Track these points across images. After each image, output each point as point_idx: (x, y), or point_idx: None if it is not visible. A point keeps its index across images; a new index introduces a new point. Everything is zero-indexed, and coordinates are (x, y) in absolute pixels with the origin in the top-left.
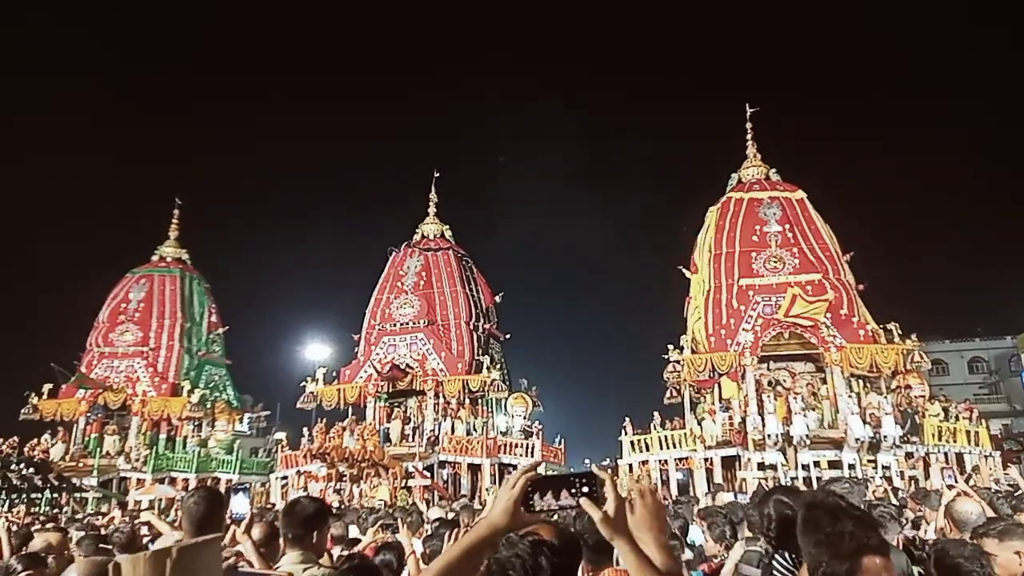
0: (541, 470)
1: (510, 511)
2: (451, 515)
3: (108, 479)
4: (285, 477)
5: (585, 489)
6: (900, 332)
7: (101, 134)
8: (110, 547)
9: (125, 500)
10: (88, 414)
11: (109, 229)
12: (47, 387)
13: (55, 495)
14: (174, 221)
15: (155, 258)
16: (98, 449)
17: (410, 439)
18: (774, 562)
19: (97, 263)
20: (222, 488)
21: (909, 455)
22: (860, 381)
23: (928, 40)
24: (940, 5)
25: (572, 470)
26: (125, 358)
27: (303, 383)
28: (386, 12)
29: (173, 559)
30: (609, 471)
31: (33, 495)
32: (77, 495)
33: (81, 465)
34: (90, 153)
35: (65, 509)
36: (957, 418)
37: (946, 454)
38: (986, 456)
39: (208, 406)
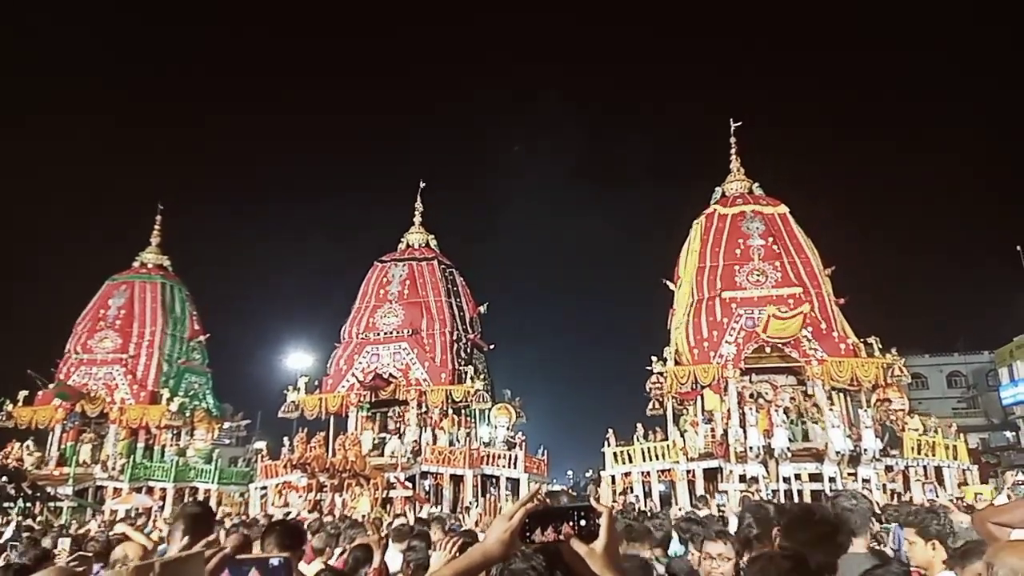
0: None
1: (506, 542)
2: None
3: (84, 488)
4: (265, 487)
5: (583, 523)
6: (880, 346)
7: (83, 138)
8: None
9: (101, 509)
10: (64, 422)
11: (90, 234)
12: (22, 394)
13: (28, 504)
14: (156, 227)
15: (136, 264)
16: (74, 458)
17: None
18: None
19: (77, 269)
20: (200, 498)
21: (889, 468)
22: (841, 394)
23: (914, 53)
24: (928, 14)
25: (570, 473)
26: (104, 365)
27: (284, 392)
28: (379, 14)
29: (156, 573)
30: (609, 506)
31: (6, 504)
32: (51, 504)
33: (57, 474)
34: (71, 157)
35: (39, 519)
36: (936, 432)
37: (925, 467)
38: (964, 470)
39: (187, 415)
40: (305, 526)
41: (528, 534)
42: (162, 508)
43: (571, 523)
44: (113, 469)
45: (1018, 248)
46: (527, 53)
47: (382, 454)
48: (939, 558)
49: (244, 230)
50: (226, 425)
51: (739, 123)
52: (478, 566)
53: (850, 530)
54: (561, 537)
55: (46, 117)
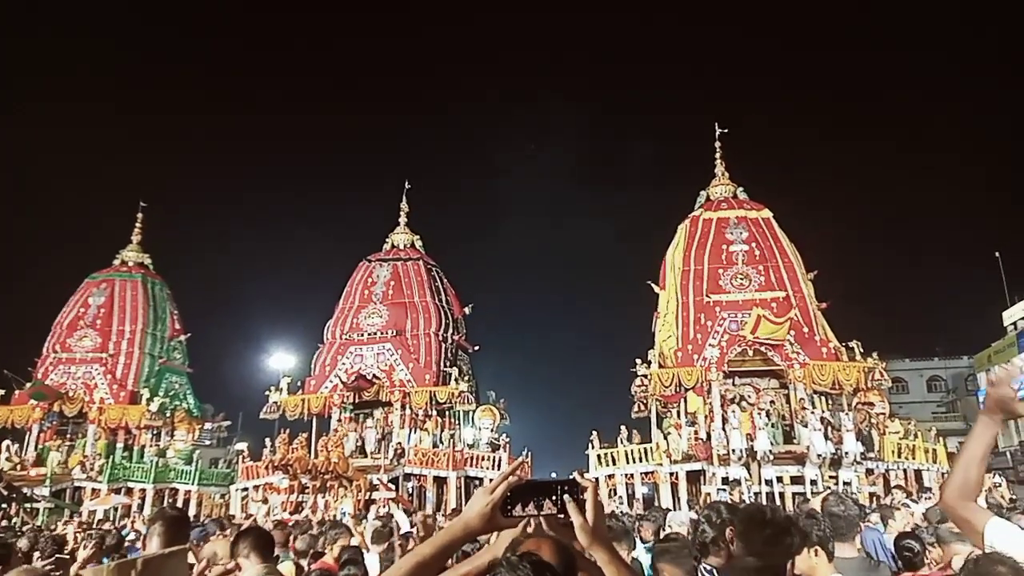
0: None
1: (487, 515)
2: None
3: (61, 489)
4: (246, 489)
5: (567, 496)
6: (862, 350)
7: (61, 132)
8: None
9: (79, 510)
10: (42, 422)
11: (69, 231)
12: None
13: (3, 505)
14: (137, 225)
15: (116, 262)
16: (51, 458)
17: (375, 451)
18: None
19: (56, 266)
20: (180, 499)
21: (869, 471)
22: (823, 398)
23: (900, 58)
24: (914, 17)
25: (554, 475)
26: (83, 364)
27: (266, 393)
28: (368, 13)
29: (138, 570)
30: (593, 480)
31: None
32: (27, 506)
33: (33, 474)
34: (51, 152)
35: (14, 520)
36: (916, 435)
37: (905, 471)
38: (943, 473)
39: (168, 415)
40: (289, 528)
41: (509, 508)
42: (141, 509)
43: (554, 497)
44: (91, 470)
45: (997, 254)
46: (519, 54)
47: (364, 455)
48: (821, 564)
49: (227, 229)
50: (207, 426)
51: (724, 129)
52: (459, 540)
53: (803, 531)
54: (544, 512)
55: (24, 111)
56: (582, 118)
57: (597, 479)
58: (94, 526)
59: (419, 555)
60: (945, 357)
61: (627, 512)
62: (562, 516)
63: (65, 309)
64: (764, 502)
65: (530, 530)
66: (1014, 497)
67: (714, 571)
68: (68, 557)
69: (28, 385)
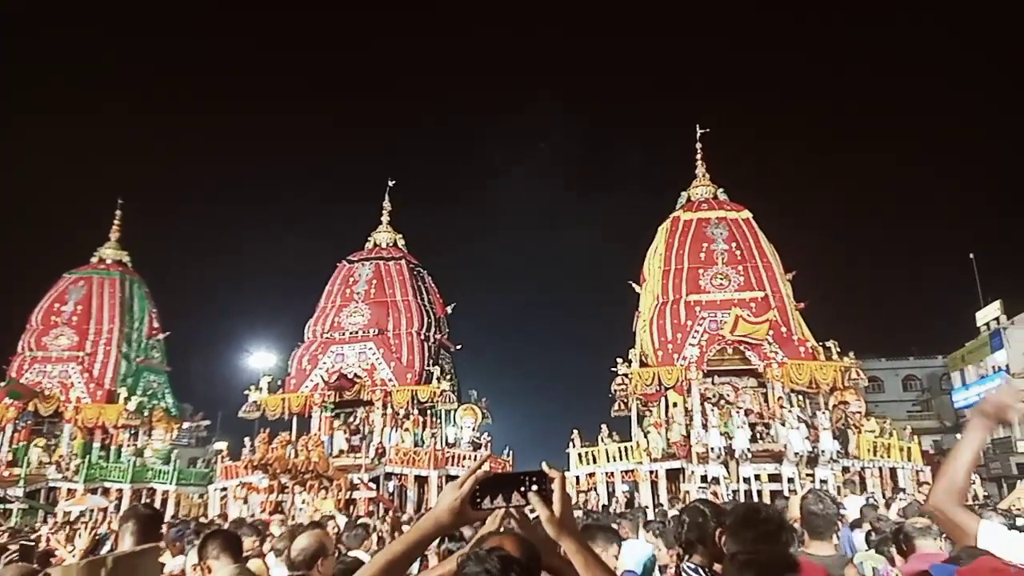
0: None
1: (456, 509)
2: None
3: (35, 489)
4: (225, 488)
5: (534, 488)
6: (838, 350)
7: (38, 128)
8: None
9: (53, 511)
10: (16, 421)
11: (45, 228)
12: None
13: None
14: (115, 222)
15: (94, 260)
16: (25, 458)
17: (357, 450)
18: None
19: (31, 263)
20: (158, 499)
21: (845, 469)
22: (800, 396)
23: (877, 63)
24: (886, 23)
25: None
26: (59, 363)
27: (246, 392)
28: (360, 14)
29: (108, 568)
30: (561, 470)
31: None
32: (0, 506)
33: (7, 475)
34: (25, 147)
35: None
36: (891, 434)
37: (880, 469)
38: (917, 471)
39: (145, 414)
40: (268, 528)
41: (479, 501)
42: (118, 509)
43: (522, 489)
44: (67, 469)
45: (971, 256)
46: (513, 59)
47: (346, 453)
48: None
49: (207, 227)
50: (185, 425)
51: (706, 130)
52: (430, 535)
53: (792, 528)
54: (513, 503)
55: (24, 112)
56: (567, 124)
57: (578, 477)
58: (72, 525)
59: (391, 552)
60: (920, 357)
61: (605, 509)
62: (529, 507)
63: (40, 306)
64: (742, 499)
65: (510, 525)
66: (987, 494)
67: (699, 569)
68: (33, 543)
69: (2, 384)
